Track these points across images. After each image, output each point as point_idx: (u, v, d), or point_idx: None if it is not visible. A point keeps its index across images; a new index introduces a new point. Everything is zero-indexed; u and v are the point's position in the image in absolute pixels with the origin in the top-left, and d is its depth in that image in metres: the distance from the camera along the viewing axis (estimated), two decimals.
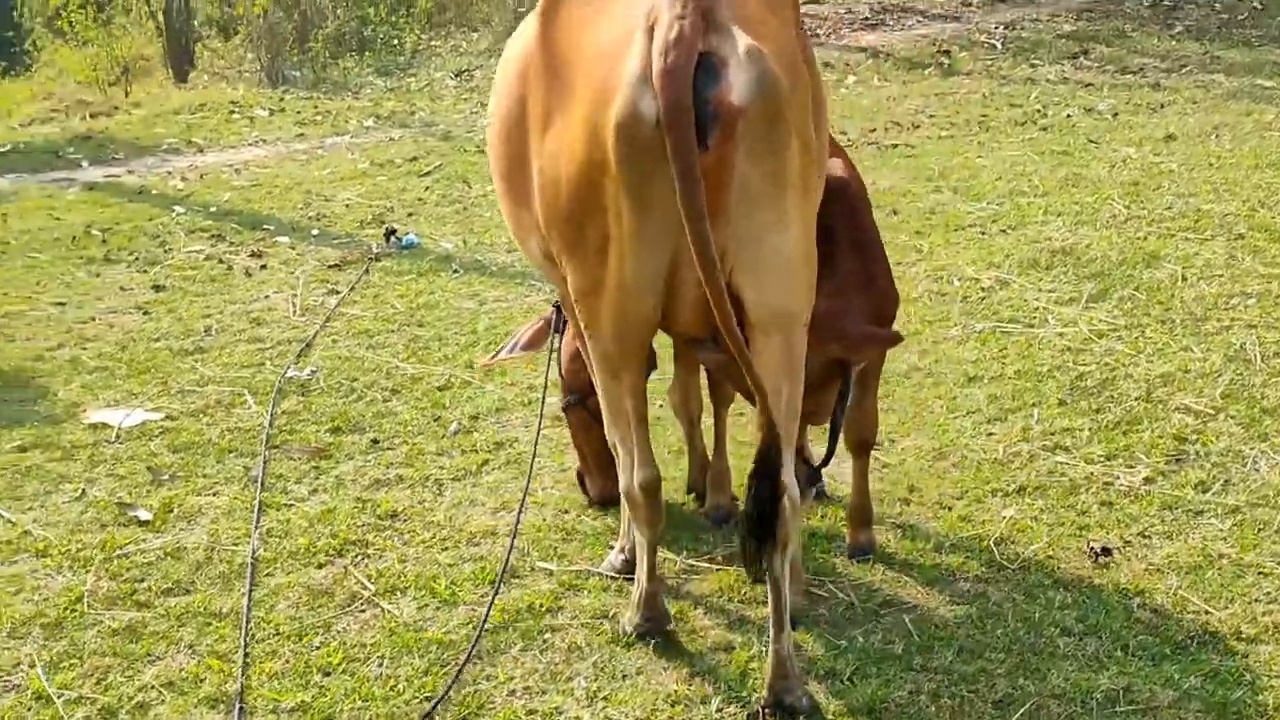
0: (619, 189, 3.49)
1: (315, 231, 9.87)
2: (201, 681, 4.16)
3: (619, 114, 3.38)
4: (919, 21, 17.69)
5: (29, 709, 4.01)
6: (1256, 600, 4.36)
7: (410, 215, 10.26)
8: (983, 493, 5.23)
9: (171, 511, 5.35)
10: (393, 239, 9.38)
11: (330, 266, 8.96)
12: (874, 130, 12.17)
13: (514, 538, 4.68)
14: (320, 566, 4.87)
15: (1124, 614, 4.31)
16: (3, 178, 12.33)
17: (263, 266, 9.01)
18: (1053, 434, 5.66)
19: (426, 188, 11.02)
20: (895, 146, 11.47)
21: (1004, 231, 8.63)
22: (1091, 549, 4.70)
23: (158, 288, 8.65)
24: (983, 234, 8.64)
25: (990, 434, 5.73)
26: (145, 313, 8.14)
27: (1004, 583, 4.57)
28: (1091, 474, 5.28)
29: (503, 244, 9.01)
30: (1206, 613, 4.30)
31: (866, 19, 17.83)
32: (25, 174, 12.52)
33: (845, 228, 4.38)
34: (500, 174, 4.18)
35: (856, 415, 4.77)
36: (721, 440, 5.09)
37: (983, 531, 4.90)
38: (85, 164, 12.77)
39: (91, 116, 15.22)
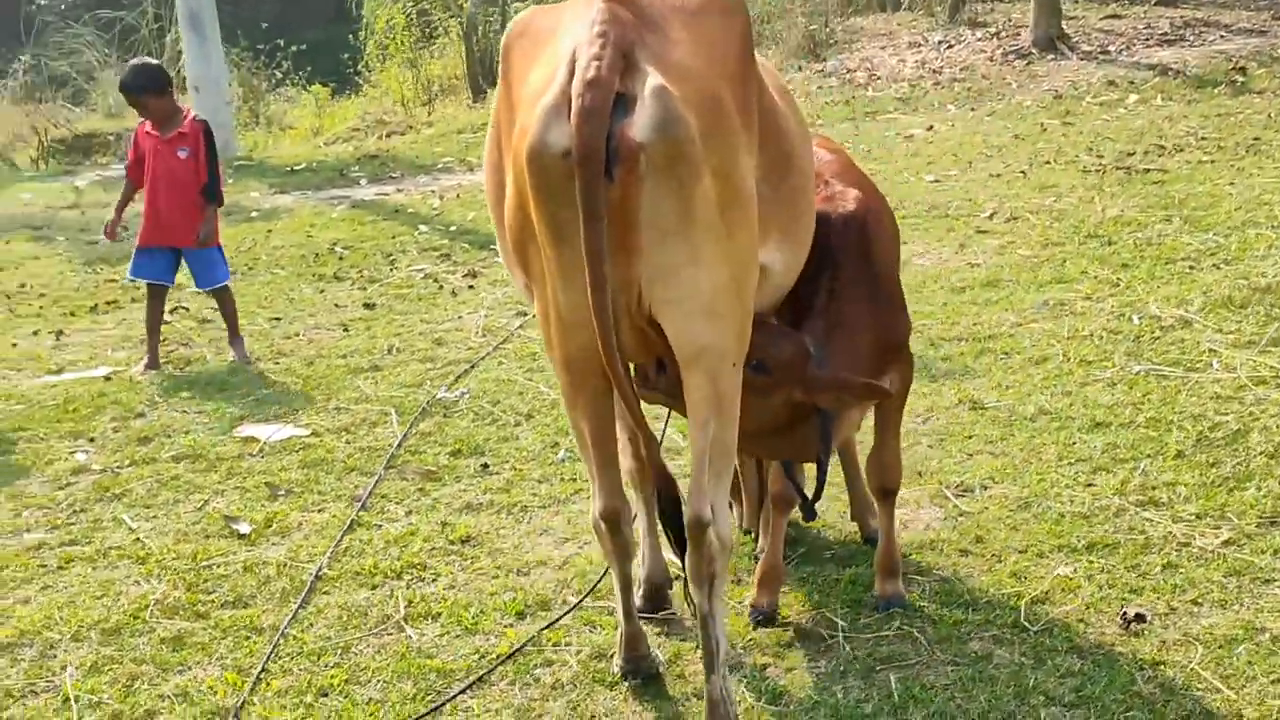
0: (538, 220, 3.58)
1: None
2: (212, 694, 4.38)
3: (530, 145, 3.45)
4: (1221, 37, 16.67)
5: (52, 710, 4.32)
6: (1277, 681, 3.97)
7: None
8: (1048, 548, 4.96)
9: (270, 526, 5.66)
10: None
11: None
12: (1131, 154, 11.60)
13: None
14: (373, 588, 5.05)
15: (1125, 687, 4.02)
16: (289, 194, 13.26)
17: (470, 287, 9.37)
18: (1153, 488, 5.30)
19: None
20: (1147, 172, 10.89)
21: (1216, 266, 8.08)
22: (1124, 615, 4.40)
23: (369, 305, 9.14)
24: (1191, 268, 8.12)
25: (1090, 485, 5.43)
26: (346, 329, 8.62)
27: (1019, 645, 4.33)
28: (1170, 533, 4.93)
29: None
30: (1216, 691, 3.97)
31: (1165, 34, 16.94)
32: (309, 191, 13.43)
33: (841, 265, 4.23)
34: (490, 205, 4.29)
35: (876, 460, 4.63)
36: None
37: (1025, 589, 4.65)
38: (363, 182, 13.58)
39: (386, 136, 16.13)
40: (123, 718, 4.29)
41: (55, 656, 4.63)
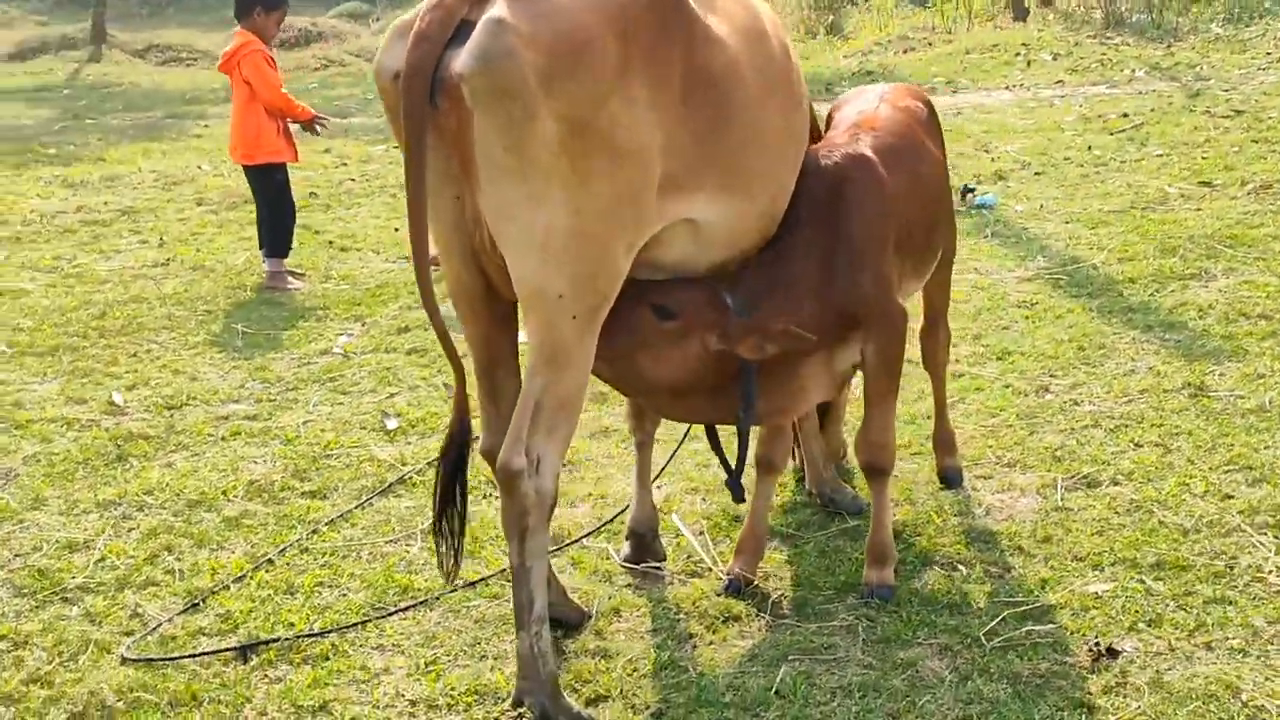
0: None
1: None
2: (196, 574, 4.58)
3: (374, 65, 3.52)
4: None
5: (81, 562, 4.72)
6: None
7: (1026, 172, 9.72)
8: (1107, 560, 4.29)
9: (416, 426, 5.88)
10: (969, 196, 9.00)
11: None
12: None
13: None
14: None
15: None
16: None
17: None
18: None
19: (1069, 145, 10.29)
20: None
21: None
22: (1095, 647, 3.79)
23: None
24: None
25: (1228, 498, 4.60)
26: None
27: (958, 660, 3.79)
28: (1262, 565, 4.15)
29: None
30: None
31: None
32: None
33: (799, 222, 3.96)
34: None
35: (862, 438, 4.21)
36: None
37: (1043, 605, 4.07)
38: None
39: (903, 51, 15.79)
40: (128, 581, 4.55)
41: (129, 517, 5.01)
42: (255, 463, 5.47)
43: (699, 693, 3.75)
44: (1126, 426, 5.31)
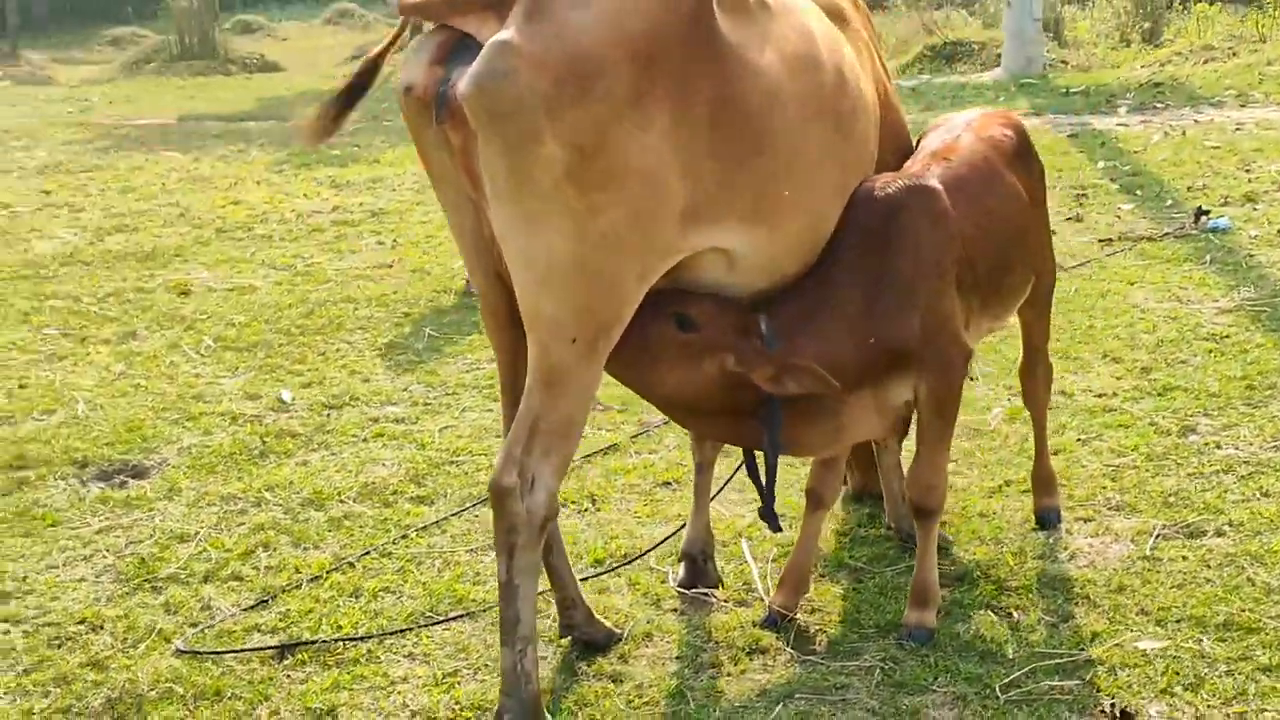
0: None
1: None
2: (280, 572, 4.75)
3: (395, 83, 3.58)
4: None
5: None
6: None
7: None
8: (1177, 616, 4.05)
9: None
10: (1202, 219, 8.49)
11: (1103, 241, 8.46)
12: None
13: None
14: None
15: None
16: (1038, 117, 12.89)
17: None
18: None
19: None
20: None
21: None
22: (1111, 708, 3.59)
23: None
24: None
25: None
26: None
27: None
28: None
29: None
30: None
31: None
32: (1053, 115, 12.97)
33: (845, 251, 3.84)
34: None
35: (913, 477, 4.07)
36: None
37: (1079, 660, 3.86)
38: (1123, 110, 12.87)
39: (1204, 62, 14.91)
40: (214, 574, 4.73)
41: (244, 512, 5.26)
42: (381, 465, 5.66)
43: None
44: (1260, 474, 4.93)
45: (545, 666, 3.96)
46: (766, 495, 4.01)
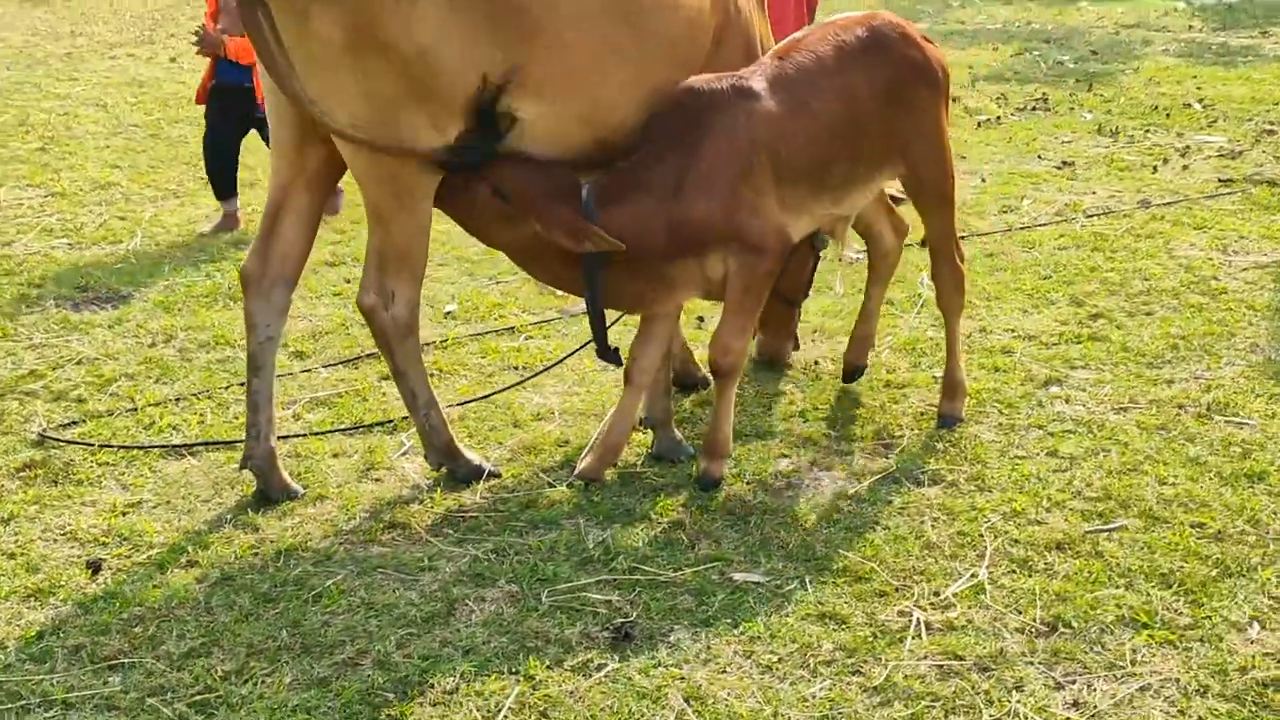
0: None
1: None
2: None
3: None
4: None
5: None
6: None
7: None
8: (790, 554, 4.08)
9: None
10: None
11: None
12: None
13: None
14: None
15: None
16: None
17: None
18: None
19: None
20: None
21: None
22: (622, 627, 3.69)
23: None
24: None
25: None
26: None
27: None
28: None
29: None
30: None
31: None
32: None
33: (678, 140, 4.23)
34: None
35: (715, 335, 4.43)
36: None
37: (656, 580, 3.99)
38: None
39: None
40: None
41: None
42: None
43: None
44: (1067, 435, 4.79)
45: None
46: (597, 334, 4.43)
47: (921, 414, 5.03)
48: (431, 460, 4.58)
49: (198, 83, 7.96)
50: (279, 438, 4.72)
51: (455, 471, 4.57)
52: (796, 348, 5.60)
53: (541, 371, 5.49)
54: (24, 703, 3.37)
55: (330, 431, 4.99)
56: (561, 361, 5.57)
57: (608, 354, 4.51)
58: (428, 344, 5.79)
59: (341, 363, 5.67)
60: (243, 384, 5.19)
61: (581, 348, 5.52)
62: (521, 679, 3.44)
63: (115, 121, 10.78)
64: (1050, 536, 4.10)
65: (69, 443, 4.83)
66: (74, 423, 5.06)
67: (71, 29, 16.04)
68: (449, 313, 6.32)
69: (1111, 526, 4.15)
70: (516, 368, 5.60)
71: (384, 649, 3.59)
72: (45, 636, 3.67)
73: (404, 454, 4.76)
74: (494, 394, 5.29)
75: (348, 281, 6.68)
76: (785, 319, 5.44)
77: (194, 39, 7.41)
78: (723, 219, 4.20)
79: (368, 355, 5.71)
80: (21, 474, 4.63)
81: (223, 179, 7.72)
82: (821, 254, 5.33)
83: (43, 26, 16.40)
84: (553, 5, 4.06)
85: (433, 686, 3.42)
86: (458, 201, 4.21)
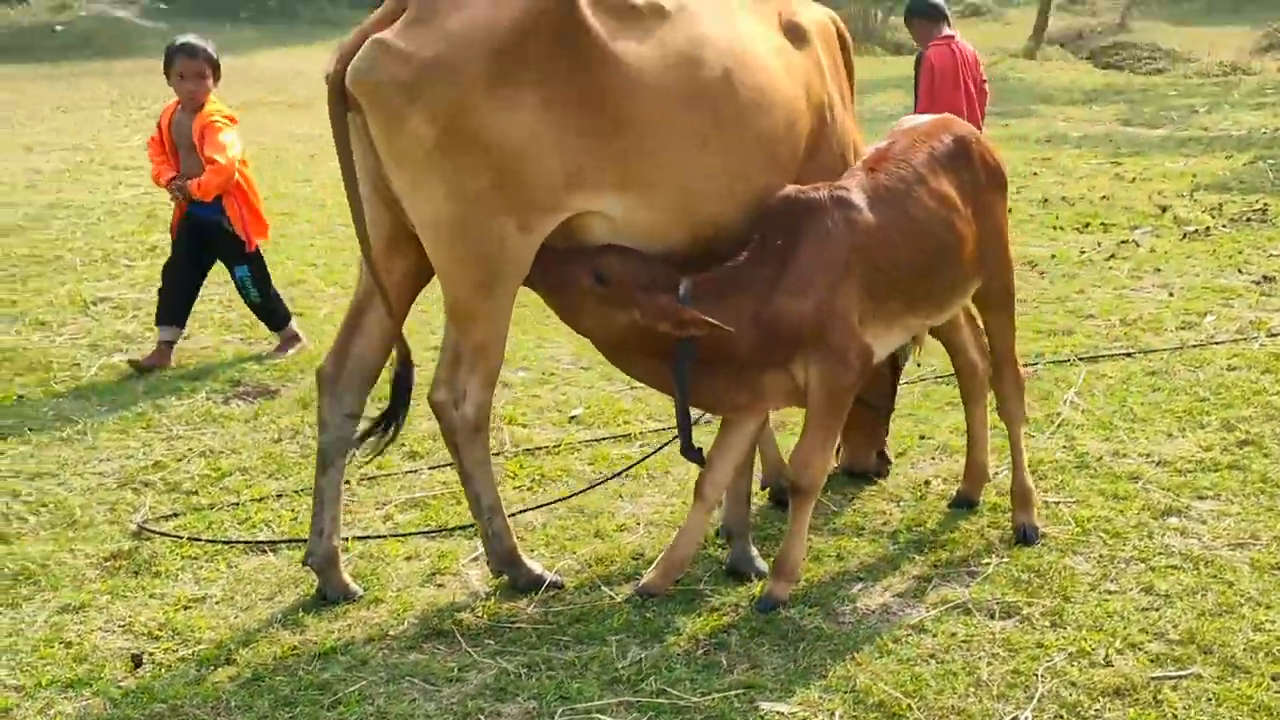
0: None
1: None
2: None
3: None
4: None
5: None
6: None
7: None
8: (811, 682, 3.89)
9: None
10: None
11: None
12: None
13: None
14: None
15: None
16: None
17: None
18: None
19: None
20: None
21: None
22: None
23: None
24: None
25: None
26: None
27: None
28: None
29: None
30: None
31: None
32: None
33: (765, 240, 4.23)
34: None
35: (795, 450, 4.31)
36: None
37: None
38: None
39: None
40: None
41: None
42: None
43: None
44: (1185, 568, 4.49)
45: None
46: (683, 432, 4.37)
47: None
48: (492, 566, 4.52)
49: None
50: (358, 538, 4.75)
51: (515, 580, 4.51)
52: (888, 463, 5.43)
53: (610, 478, 5.41)
54: None
55: (409, 534, 4.99)
56: (634, 466, 5.51)
57: (691, 453, 4.42)
58: (539, 448, 5.79)
59: (448, 464, 5.67)
60: (346, 483, 5.31)
61: (657, 450, 5.40)
62: None
63: (328, 221, 11.22)
64: (1111, 681, 3.78)
65: (159, 534, 4.96)
66: (175, 514, 5.19)
67: (321, 132, 16.88)
68: (574, 417, 6.29)
69: (1182, 674, 3.81)
70: (617, 475, 5.49)
71: None
72: None
73: (473, 560, 4.70)
74: (565, 498, 5.24)
75: None
76: (869, 430, 5.31)
77: (172, 194, 7.25)
78: (811, 324, 4.14)
79: None
80: (107, 564, 4.76)
81: (171, 303, 7.35)
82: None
83: (297, 130, 17.32)
84: (643, 105, 4.07)
85: None
86: (553, 283, 4.22)
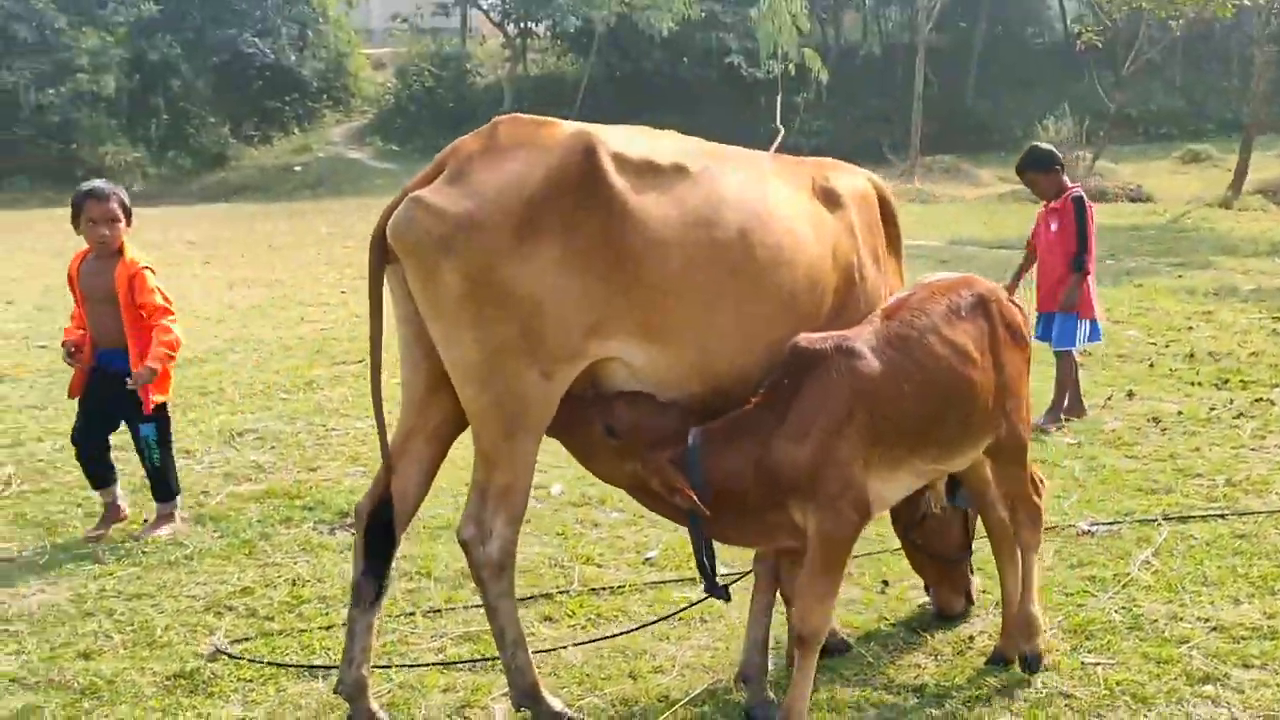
0: None
1: None
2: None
3: None
4: None
5: None
6: None
7: None
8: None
9: None
10: None
11: None
12: None
13: None
14: None
15: None
16: None
17: None
18: None
19: None
20: None
21: None
22: None
23: None
24: None
25: None
26: None
27: None
28: None
29: None
30: None
31: None
32: None
33: (774, 390, 4.37)
34: None
35: (796, 599, 4.47)
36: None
37: None
38: None
39: None
40: None
41: None
42: None
43: None
44: None
45: None
46: (703, 571, 4.52)
47: (1042, 701, 4.69)
48: (514, 700, 4.67)
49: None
50: (407, 666, 5.07)
51: (536, 716, 4.65)
52: (971, 602, 5.50)
53: (654, 622, 5.53)
54: None
55: (446, 665, 5.19)
56: (678, 612, 5.61)
57: (715, 590, 4.53)
58: (604, 587, 5.95)
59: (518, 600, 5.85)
60: (426, 612, 5.64)
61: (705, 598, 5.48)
62: None
63: None
64: None
65: (229, 655, 5.27)
66: (246, 638, 5.50)
67: None
68: (648, 559, 6.44)
69: None
70: (668, 618, 5.61)
71: None
72: None
73: (503, 694, 4.87)
74: (608, 637, 5.39)
75: (560, 533, 6.92)
76: (949, 577, 5.41)
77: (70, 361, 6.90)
78: (806, 467, 4.23)
79: (533, 596, 5.90)
80: (168, 683, 5.07)
81: (97, 469, 7.07)
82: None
83: None
84: (664, 258, 4.29)
85: None
86: (573, 432, 4.41)
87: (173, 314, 6.83)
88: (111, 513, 7.07)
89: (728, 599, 4.61)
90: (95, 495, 7.22)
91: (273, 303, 15.65)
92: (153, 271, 6.84)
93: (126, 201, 6.91)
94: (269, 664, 5.22)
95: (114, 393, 6.78)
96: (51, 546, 6.75)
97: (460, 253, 4.13)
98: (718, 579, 4.55)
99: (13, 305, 15.81)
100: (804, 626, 4.33)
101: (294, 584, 6.16)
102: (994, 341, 4.66)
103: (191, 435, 8.97)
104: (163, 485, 7.04)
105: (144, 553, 6.58)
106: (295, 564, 6.42)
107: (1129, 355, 11.09)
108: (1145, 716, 4.55)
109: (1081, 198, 8.73)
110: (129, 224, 6.90)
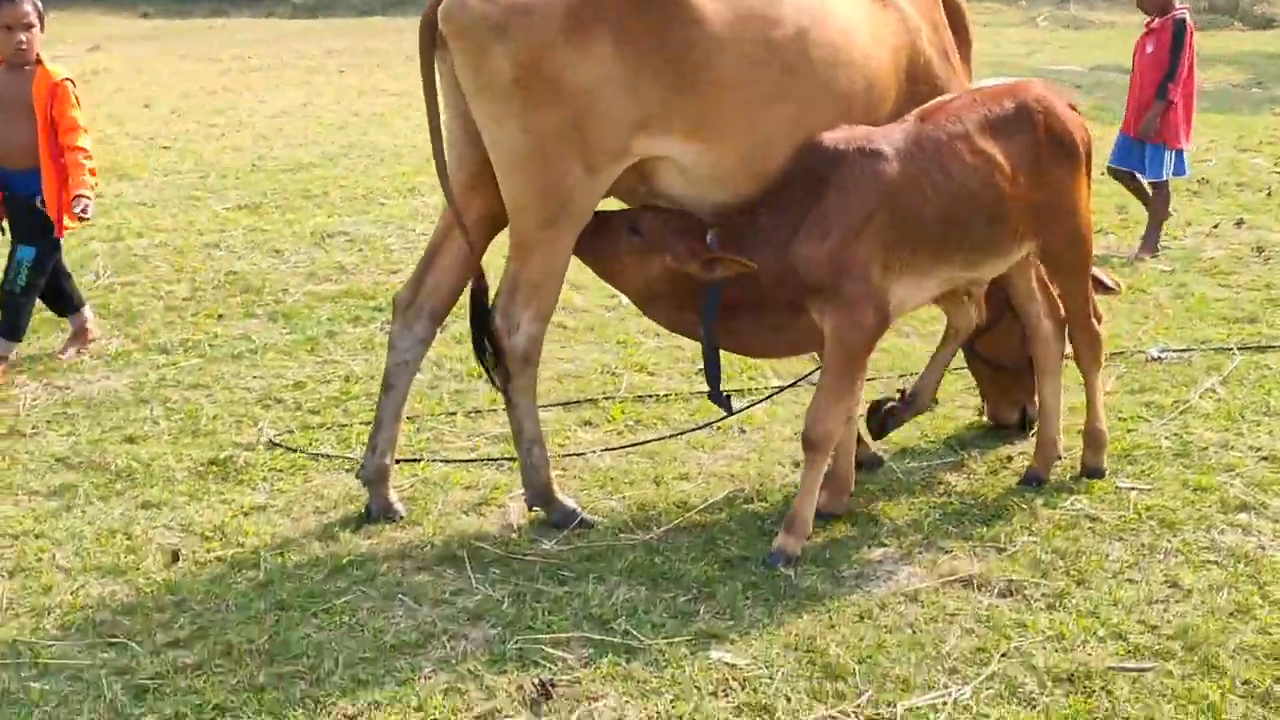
0: None
1: None
2: None
3: None
4: None
5: None
6: None
7: None
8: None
9: None
10: None
11: None
12: None
13: None
14: None
15: None
16: None
17: None
18: None
19: None
20: None
21: None
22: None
23: None
24: None
25: None
26: None
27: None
28: None
29: None
30: None
31: None
32: None
33: (795, 188, 4.31)
34: None
35: (810, 405, 4.39)
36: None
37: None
38: None
39: None
40: None
41: None
42: None
43: None
44: None
45: None
46: (711, 379, 4.53)
47: (1065, 523, 4.52)
48: (528, 499, 4.67)
49: None
50: (433, 460, 5.14)
51: (549, 515, 4.64)
52: (1029, 417, 5.30)
53: (687, 431, 5.47)
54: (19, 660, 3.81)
55: (470, 462, 5.19)
56: (695, 430, 5.48)
57: (719, 399, 4.56)
58: (649, 395, 5.88)
59: (561, 404, 5.83)
60: (468, 412, 5.62)
61: (750, 405, 5.38)
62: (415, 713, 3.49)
63: None
64: (1067, 667, 3.65)
65: (282, 446, 5.35)
66: (289, 431, 5.56)
67: None
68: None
69: (1144, 667, 3.62)
70: (703, 426, 5.53)
71: (329, 666, 3.73)
72: (83, 608, 4.10)
73: (522, 493, 4.84)
74: (637, 444, 5.33)
75: (621, 341, 6.83)
76: (1004, 387, 5.32)
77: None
78: (825, 268, 4.19)
79: (579, 401, 5.85)
80: (200, 469, 5.16)
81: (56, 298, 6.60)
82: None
83: None
84: (719, 55, 4.22)
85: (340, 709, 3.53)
86: (597, 243, 4.40)
87: (87, 132, 6.27)
88: (79, 336, 6.62)
89: (730, 410, 4.61)
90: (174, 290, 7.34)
91: (397, 111, 15.58)
92: (73, 84, 6.27)
93: (40, 7, 6.23)
94: (311, 455, 5.26)
95: (15, 214, 6.29)
96: (125, 337, 6.85)
97: (513, 37, 4.11)
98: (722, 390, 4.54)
99: None
100: (814, 430, 4.28)
101: (346, 379, 6.19)
102: (1036, 153, 4.48)
103: (285, 235, 9.03)
104: (11, 318, 6.31)
105: (210, 345, 6.65)
106: (352, 361, 6.44)
107: (1248, 184, 10.52)
108: (1169, 541, 4.36)
109: (1184, 20, 8.20)
110: (42, 29, 6.24)
